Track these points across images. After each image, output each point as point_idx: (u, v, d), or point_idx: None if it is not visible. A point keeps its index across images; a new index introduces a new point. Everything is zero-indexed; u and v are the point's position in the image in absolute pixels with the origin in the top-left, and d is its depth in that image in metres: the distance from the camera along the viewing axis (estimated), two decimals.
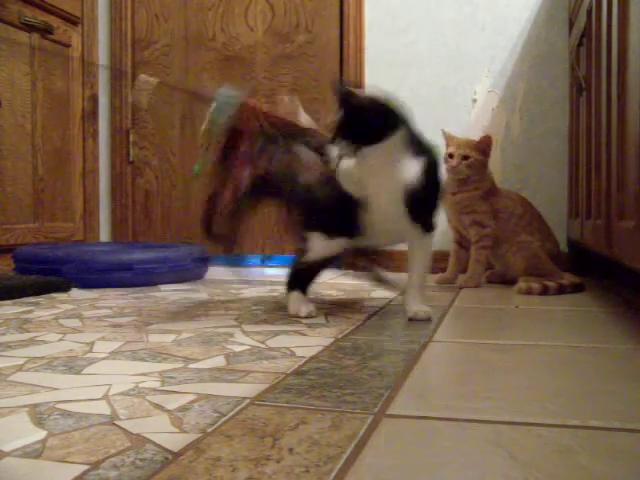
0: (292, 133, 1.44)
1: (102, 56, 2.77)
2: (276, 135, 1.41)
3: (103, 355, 1.03)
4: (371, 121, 1.26)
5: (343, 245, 1.41)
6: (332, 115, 1.28)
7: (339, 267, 2.11)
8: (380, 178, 1.30)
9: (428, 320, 1.34)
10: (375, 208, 1.32)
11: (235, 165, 1.39)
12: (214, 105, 1.41)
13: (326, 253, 1.40)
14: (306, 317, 1.38)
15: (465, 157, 1.95)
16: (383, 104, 1.28)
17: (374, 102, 1.28)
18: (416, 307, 1.36)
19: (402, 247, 1.42)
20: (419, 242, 1.36)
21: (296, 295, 1.44)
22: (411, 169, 1.28)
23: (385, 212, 1.33)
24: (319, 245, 1.38)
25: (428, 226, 1.36)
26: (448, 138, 2.01)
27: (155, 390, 0.83)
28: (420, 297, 1.38)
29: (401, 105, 1.30)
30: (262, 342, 1.14)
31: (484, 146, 1.97)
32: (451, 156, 1.96)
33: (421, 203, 1.31)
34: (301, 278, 1.46)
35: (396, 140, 1.26)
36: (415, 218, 1.32)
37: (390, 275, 1.68)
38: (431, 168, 1.32)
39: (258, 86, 2.62)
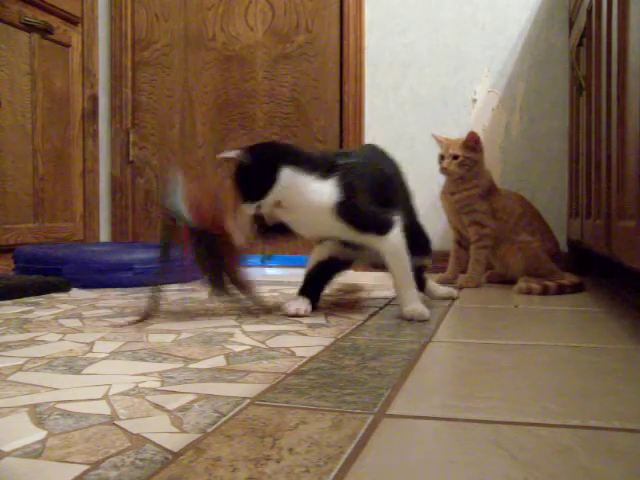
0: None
1: (102, 56, 2.77)
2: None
3: (103, 355, 1.03)
4: (250, 175, 1.32)
5: (334, 250, 1.47)
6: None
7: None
8: (303, 214, 1.35)
9: (424, 320, 1.33)
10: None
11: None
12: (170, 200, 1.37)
13: (319, 258, 1.49)
14: (304, 315, 1.39)
15: (455, 157, 1.95)
16: (257, 155, 1.33)
17: (248, 158, 1.32)
18: (410, 307, 1.36)
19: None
20: (381, 246, 1.35)
21: (297, 298, 1.46)
22: (325, 190, 1.32)
23: (331, 236, 1.40)
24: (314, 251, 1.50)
25: (380, 228, 1.35)
26: (438, 141, 2.02)
27: (155, 390, 0.83)
28: (412, 296, 1.37)
29: (280, 144, 1.39)
30: (262, 342, 1.14)
31: (471, 143, 1.97)
32: (442, 158, 1.97)
33: (355, 213, 1.33)
34: (309, 286, 1.49)
35: (286, 178, 1.31)
36: (361, 228, 1.34)
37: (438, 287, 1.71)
38: (350, 180, 1.34)
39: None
